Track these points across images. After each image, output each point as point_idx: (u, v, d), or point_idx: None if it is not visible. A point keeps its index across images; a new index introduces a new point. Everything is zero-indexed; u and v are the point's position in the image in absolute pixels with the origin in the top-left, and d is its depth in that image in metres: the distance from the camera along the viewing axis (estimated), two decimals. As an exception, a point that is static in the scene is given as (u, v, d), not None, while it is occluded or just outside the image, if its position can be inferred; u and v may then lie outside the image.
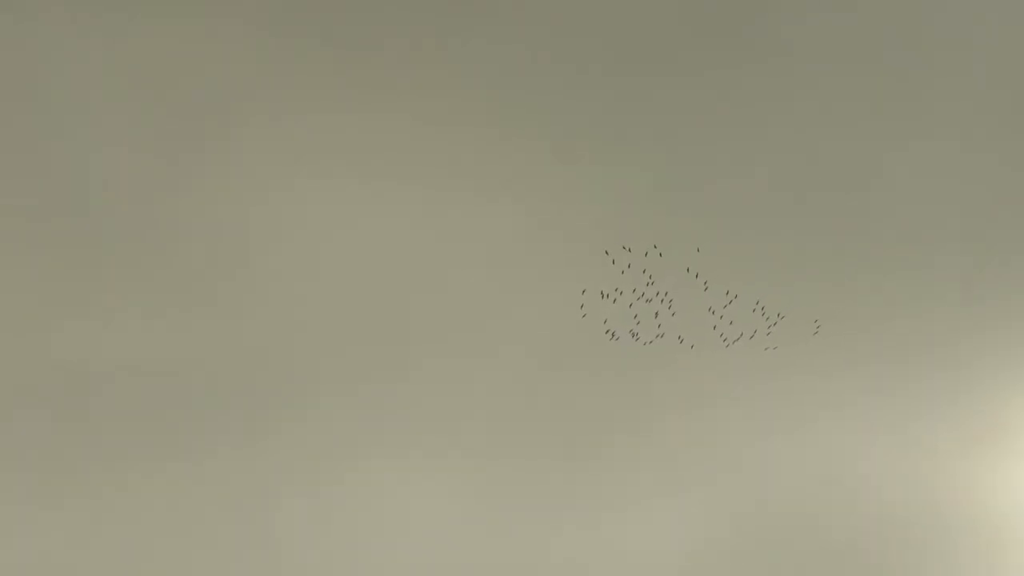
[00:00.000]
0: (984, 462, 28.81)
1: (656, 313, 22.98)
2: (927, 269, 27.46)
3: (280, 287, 24.79)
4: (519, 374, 26.45)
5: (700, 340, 24.51)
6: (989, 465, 28.84)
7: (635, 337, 22.02)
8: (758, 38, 25.50)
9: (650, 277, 23.62)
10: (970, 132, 27.60)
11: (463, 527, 26.56)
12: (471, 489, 26.43)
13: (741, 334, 23.76)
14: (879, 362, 27.35)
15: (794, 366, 26.16)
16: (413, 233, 25.31)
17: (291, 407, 25.53)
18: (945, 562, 29.03)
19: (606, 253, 24.59)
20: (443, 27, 24.18)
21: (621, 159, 25.45)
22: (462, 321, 25.94)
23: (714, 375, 25.55)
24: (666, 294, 22.36)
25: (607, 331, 23.08)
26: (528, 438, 26.66)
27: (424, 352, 25.94)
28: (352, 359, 25.90)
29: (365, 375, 26.22)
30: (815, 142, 26.43)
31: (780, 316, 24.55)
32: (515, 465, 26.67)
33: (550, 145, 24.94)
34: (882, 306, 27.37)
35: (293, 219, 24.14)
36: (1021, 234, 28.11)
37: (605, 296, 23.37)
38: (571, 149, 25.23)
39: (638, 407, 25.99)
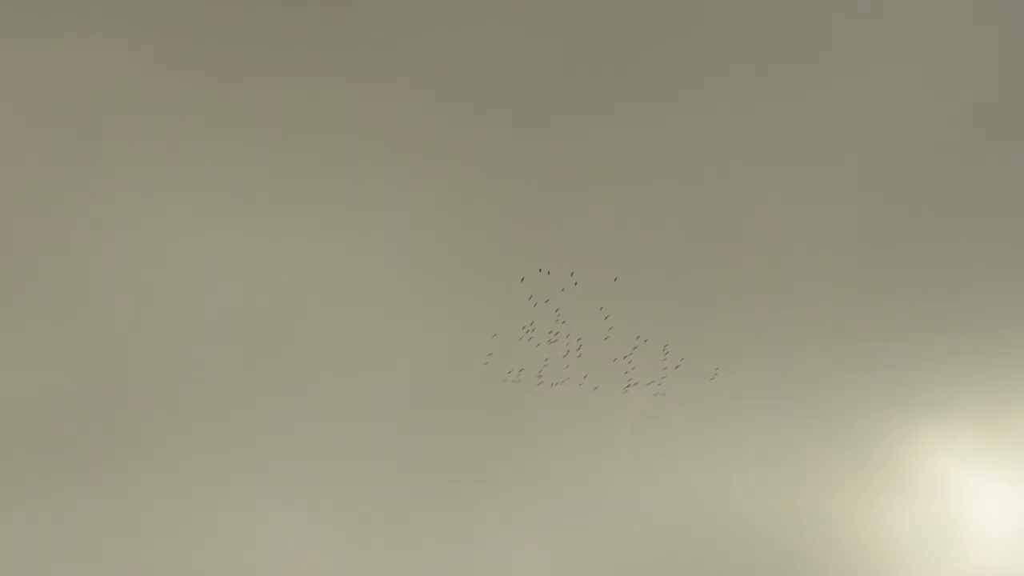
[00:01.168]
0: (860, 497, 30.20)
1: (567, 352, 22.84)
2: (801, 310, 28.68)
3: (148, 314, 23.42)
4: (395, 408, 26.05)
5: (605, 380, 24.56)
6: (864, 500, 30.25)
7: (540, 379, 21.73)
8: (653, 99, 25.73)
9: (560, 315, 23.42)
10: (840, 189, 29.05)
11: (336, 555, 26.04)
12: (343, 517, 25.95)
13: (638, 381, 23.93)
14: (761, 398, 28.32)
15: (682, 408, 26.62)
16: (289, 260, 24.43)
17: (160, 433, 24.26)
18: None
19: (522, 280, 24.36)
20: (332, 57, 23.29)
21: (520, 194, 25.25)
22: (341, 351, 25.29)
23: (608, 414, 25.71)
24: (578, 339, 22.21)
25: (510, 370, 22.77)
26: (403, 470, 26.35)
27: (299, 378, 25.31)
28: (223, 385, 24.89)
29: (238, 401, 25.30)
30: (709, 193, 27.08)
31: (682, 359, 24.93)
32: (388, 495, 26.36)
33: (435, 177, 24.44)
34: (764, 348, 28.38)
35: (162, 245, 22.82)
36: (894, 280, 29.77)
37: (524, 332, 23.05)
38: (451, 180, 24.96)
39: (522, 445, 26.00)
